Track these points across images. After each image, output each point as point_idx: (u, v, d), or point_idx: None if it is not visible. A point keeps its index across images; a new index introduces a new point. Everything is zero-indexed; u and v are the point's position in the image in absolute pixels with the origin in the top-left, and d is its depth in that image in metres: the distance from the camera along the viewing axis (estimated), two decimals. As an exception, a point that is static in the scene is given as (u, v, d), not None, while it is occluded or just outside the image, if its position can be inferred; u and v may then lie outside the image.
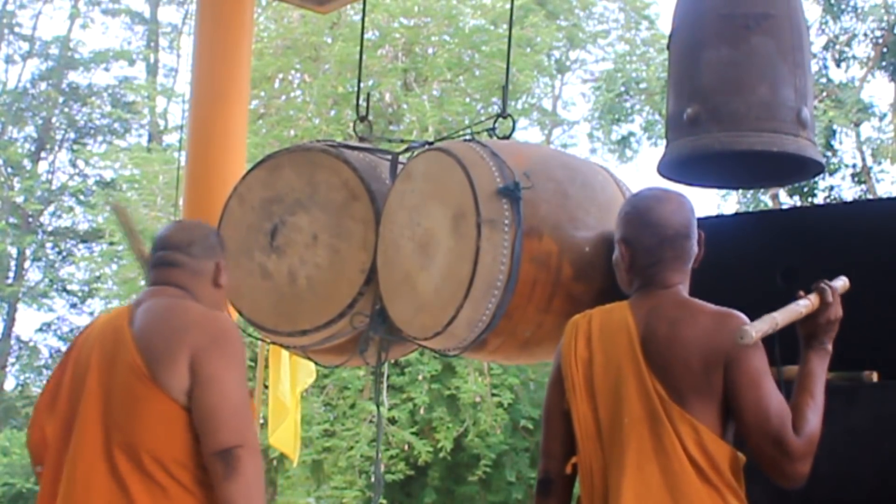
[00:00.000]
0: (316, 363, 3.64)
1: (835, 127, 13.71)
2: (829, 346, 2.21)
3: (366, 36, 13.71)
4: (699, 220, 2.41)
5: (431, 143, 3.18)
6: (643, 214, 2.33)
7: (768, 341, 2.14)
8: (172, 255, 2.53)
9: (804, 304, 2.15)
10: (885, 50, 14.06)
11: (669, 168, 2.94)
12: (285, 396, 6.44)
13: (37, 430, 2.51)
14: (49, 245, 21.10)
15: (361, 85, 3.87)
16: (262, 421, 7.12)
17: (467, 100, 14.61)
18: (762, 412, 2.09)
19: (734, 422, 2.15)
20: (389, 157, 3.22)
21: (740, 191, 13.45)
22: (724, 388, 2.13)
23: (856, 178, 14.55)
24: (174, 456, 2.30)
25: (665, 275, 2.28)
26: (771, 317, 2.08)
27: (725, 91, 2.78)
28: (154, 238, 2.66)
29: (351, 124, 3.57)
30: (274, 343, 3.44)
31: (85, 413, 2.36)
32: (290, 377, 6.43)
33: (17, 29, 21.89)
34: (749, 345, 2.04)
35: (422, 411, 12.53)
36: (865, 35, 14.31)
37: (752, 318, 2.17)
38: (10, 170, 20.73)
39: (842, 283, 2.26)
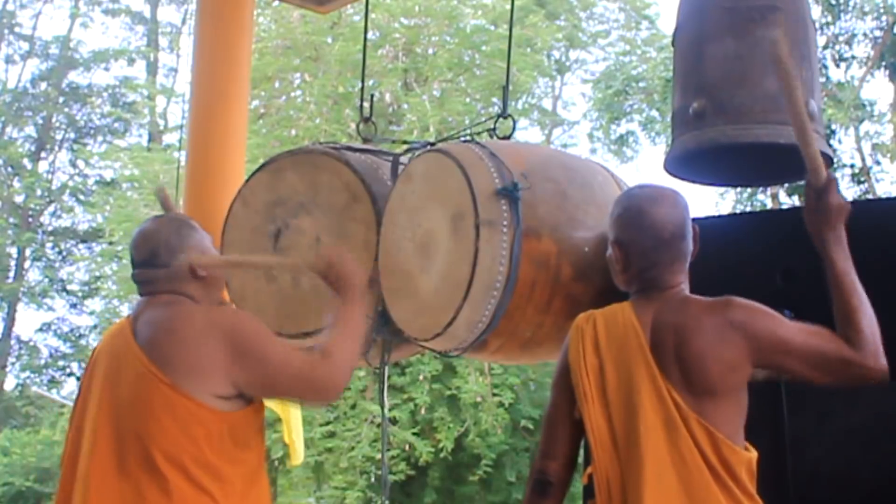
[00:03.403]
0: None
1: (834, 127, 13.72)
2: (843, 232, 2.15)
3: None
4: (699, 219, 2.40)
5: (432, 144, 3.18)
6: (636, 217, 2.28)
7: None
8: (144, 272, 2.50)
9: None
10: (884, 50, 14.07)
11: (676, 164, 2.92)
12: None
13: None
14: (49, 245, 21.10)
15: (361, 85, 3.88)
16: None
17: (467, 100, 14.62)
18: (815, 356, 2.08)
19: (804, 381, 2.13)
20: (391, 158, 3.22)
21: (738, 189, 13.46)
22: (751, 375, 2.12)
23: (855, 178, 14.55)
24: (192, 455, 2.30)
25: (665, 278, 2.26)
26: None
27: (731, 84, 2.75)
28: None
29: (352, 124, 3.58)
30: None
31: (95, 425, 2.36)
32: None
33: (17, 29, 21.92)
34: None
35: (423, 411, 12.53)
36: (865, 35, 14.32)
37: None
38: (10, 169, 20.74)
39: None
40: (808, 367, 2.09)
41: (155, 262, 2.49)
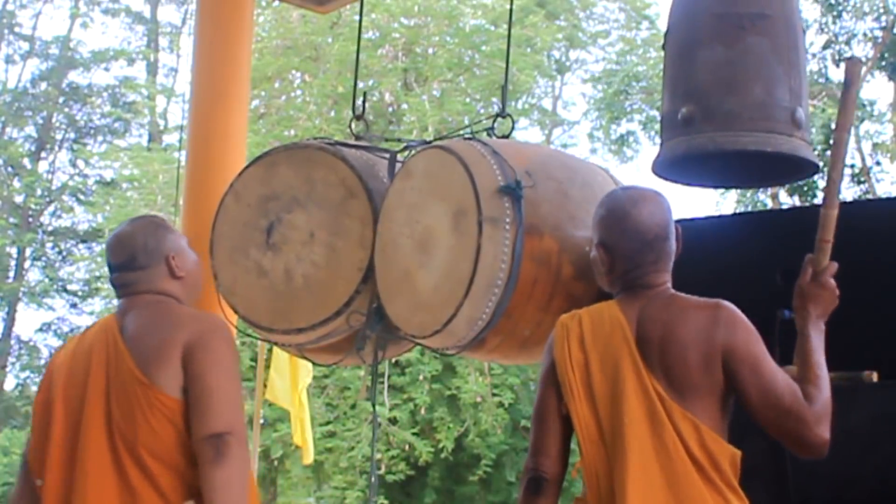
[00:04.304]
0: (311, 362, 3.64)
1: (834, 127, 13.70)
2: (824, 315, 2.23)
3: (366, 36, 13.72)
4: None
5: (430, 143, 3.18)
6: (620, 220, 2.29)
7: (768, 336, 2.15)
8: (123, 276, 2.52)
9: None
10: (884, 50, 14.07)
11: (664, 168, 2.93)
12: (277, 399, 6.45)
13: (36, 444, 2.52)
14: (49, 245, 21.10)
15: (361, 85, 3.88)
16: (262, 421, 7.11)
17: (467, 100, 14.62)
18: (773, 394, 2.08)
19: (745, 408, 2.13)
20: (387, 155, 3.22)
21: (739, 190, 13.46)
22: (724, 381, 2.12)
23: (855, 178, 14.55)
24: (180, 452, 2.33)
25: (649, 278, 2.27)
26: None
27: (720, 91, 2.76)
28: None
29: (352, 124, 3.57)
30: (268, 341, 3.44)
31: (89, 422, 2.38)
32: (290, 378, 6.42)
33: (17, 29, 21.90)
34: None
35: (422, 411, 12.54)
36: (865, 35, 14.32)
37: (751, 317, 2.18)
38: (10, 169, 20.73)
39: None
40: (761, 398, 2.09)
41: (133, 265, 2.51)
